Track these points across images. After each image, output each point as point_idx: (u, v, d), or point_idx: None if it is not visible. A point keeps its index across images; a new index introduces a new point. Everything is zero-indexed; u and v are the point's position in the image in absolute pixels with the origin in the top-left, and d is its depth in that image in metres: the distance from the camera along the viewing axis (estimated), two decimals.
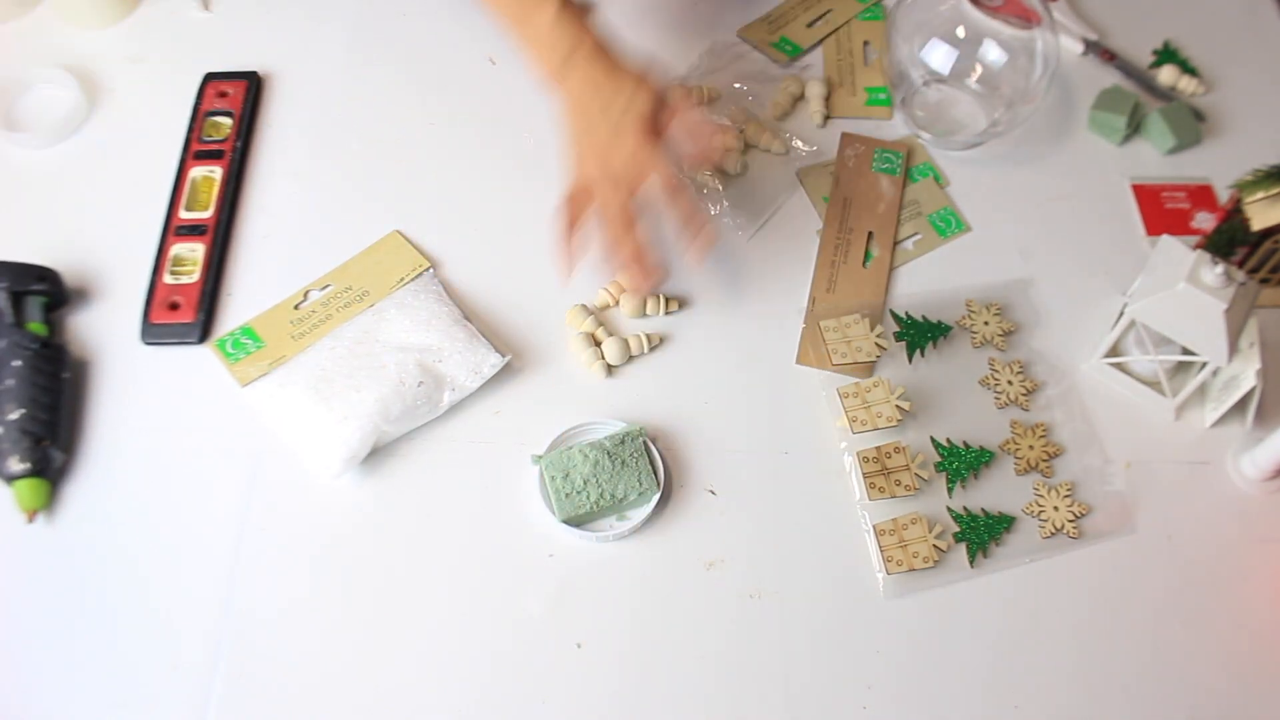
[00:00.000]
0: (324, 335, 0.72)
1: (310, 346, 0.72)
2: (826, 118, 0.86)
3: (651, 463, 0.69)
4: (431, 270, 0.76)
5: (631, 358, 0.74)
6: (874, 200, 0.81)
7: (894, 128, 0.86)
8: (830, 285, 0.77)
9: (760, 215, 0.81)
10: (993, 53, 0.80)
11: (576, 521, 0.67)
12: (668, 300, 0.75)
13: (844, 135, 0.85)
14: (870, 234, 0.80)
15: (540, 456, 0.68)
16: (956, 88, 0.84)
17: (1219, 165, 0.84)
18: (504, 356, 0.71)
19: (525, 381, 0.73)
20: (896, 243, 0.80)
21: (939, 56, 0.81)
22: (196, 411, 0.71)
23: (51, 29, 0.88)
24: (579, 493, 0.66)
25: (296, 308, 0.74)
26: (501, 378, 0.72)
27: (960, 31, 0.80)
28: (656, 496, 0.68)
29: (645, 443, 0.69)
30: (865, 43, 0.91)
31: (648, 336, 0.74)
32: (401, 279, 0.75)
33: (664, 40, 0.89)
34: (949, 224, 0.81)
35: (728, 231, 0.80)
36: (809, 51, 0.90)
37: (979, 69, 0.82)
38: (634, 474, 0.67)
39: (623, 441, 0.68)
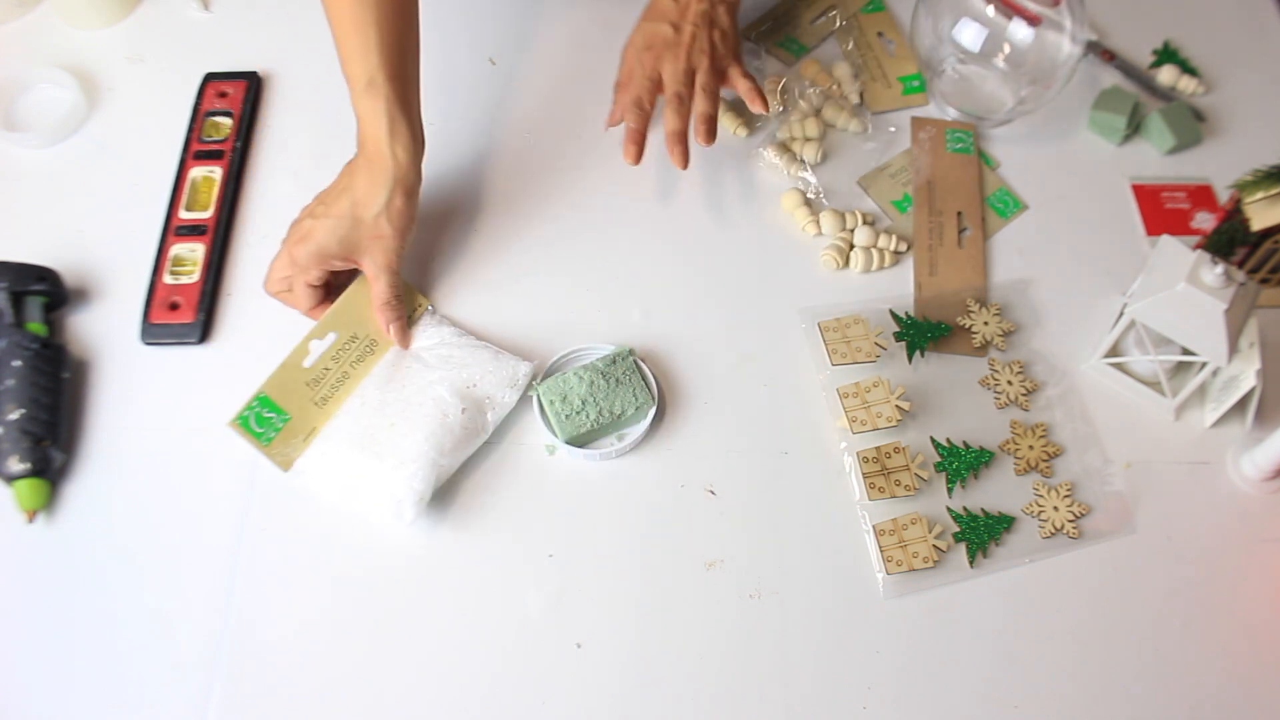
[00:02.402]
0: (348, 396, 0.69)
1: (339, 412, 0.69)
2: (861, 102, 0.87)
3: (644, 379, 0.71)
4: (431, 308, 0.74)
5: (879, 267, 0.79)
6: (956, 180, 0.82)
7: (927, 113, 0.87)
8: (932, 269, 0.78)
9: (853, 197, 0.82)
10: (1020, 31, 0.80)
11: (579, 441, 0.69)
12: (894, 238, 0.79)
13: (914, 119, 0.86)
14: (960, 213, 0.80)
15: (537, 384, 0.70)
16: (983, 67, 0.84)
17: (1219, 165, 0.84)
18: (531, 363, 0.71)
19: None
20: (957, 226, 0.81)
21: (970, 35, 0.81)
22: (196, 411, 0.71)
23: (51, 29, 0.88)
24: (578, 413, 0.69)
25: (306, 366, 0.68)
26: None
27: (990, 10, 0.81)
28: (653, 410, 0.70)
29: (636, 361, 0.71)
30: (879, 34, 0.91)
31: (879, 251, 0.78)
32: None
33: None
34: (1007, 204, 0.82)
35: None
36: (815, 49, 0.90)
37: (1007, 48, 0.82)
38: (629, 390, 0.70)
39: (614, 361, 0.71)
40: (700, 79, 0.76)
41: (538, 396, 0.70)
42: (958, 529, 0.68)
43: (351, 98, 0.69)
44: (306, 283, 0.70)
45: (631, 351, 0.72)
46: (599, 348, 0.72)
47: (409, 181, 0.69)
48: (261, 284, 0.72)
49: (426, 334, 0.73)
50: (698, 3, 0.78)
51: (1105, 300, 0.77)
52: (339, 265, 0.70)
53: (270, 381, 0.67)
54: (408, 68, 0.70)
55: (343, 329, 0.70)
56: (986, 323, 0.76)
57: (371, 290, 0.70)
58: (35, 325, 0.70)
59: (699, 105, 0.76)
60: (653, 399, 0.70)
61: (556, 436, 0.68)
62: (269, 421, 0.66)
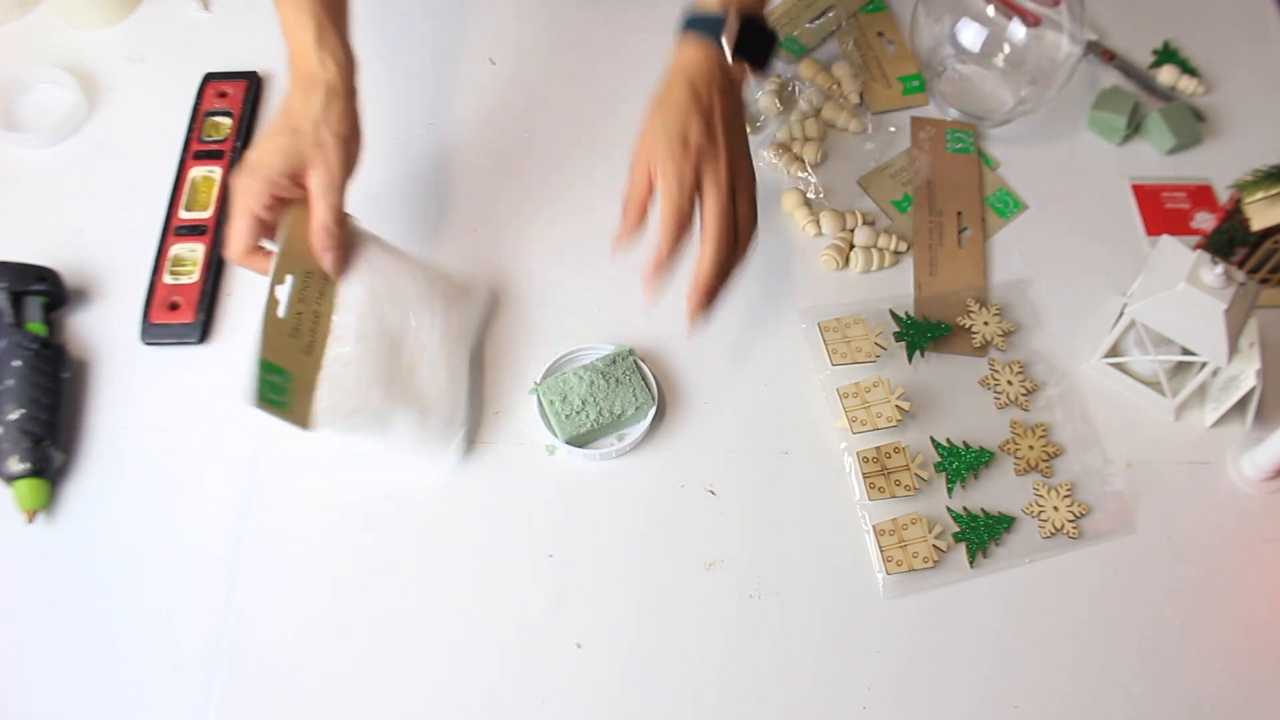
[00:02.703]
0: (328, 335, 0.66)
1: (329, 354, 0.65)
2: (861, 102, 0.86)
3: (644, 379, 0.71)
4: (357, 222, 0.70)
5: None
6: (956, 180, 0.82)
7: (927, 113, 0.87)
8: (932, 269, 0.78)
9: (853, 197, 0.82)
10: (1020, 31, 0.81)
11: (579, 441, 0.69)
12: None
13: (914, 119, 0.86)
14: (959, 213, 0.80)
15: (537, 385, 0.70)
16: (983, 67, 0.84)
17: (1219, 165, 0.84)
18: (476, 288, 0.74)
19: (523, 380, 0.73)
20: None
21: (969, 35, 0.82)
22: (196, 411, 0.71)
23: (51, 29, 0.88)
24: (578, 413, 0.69)
25: (282, 318, 0.64)
26: (498, 378, 0.72)
27: (990, 10, 0.81)
28: (653, 411, 0.70)
29: (636, 361, 0.72)
30: (879, 34, 0.91)
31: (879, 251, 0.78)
32: None
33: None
34: (1007, 204, 0.82)
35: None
36: (814, 50, 0.90)
37: (1007, 48, 0.82)
38: (629, 390, 0.70)
39: (614, 361, 0.71)
40: (743, 207, 0.64)
41: (538, 396, 0.70)
42: (958, 529, 0.68)
43: (279, 15, 0.66)
44: (252, 211, 0.63)
45: (631, 351, 0.72)
46: (599, 348, 0.72)
47: (345, 89, 0.65)
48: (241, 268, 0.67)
49: (384, 257, 0.69)
50: (722, 98, 0.64)
51: (1105, 300, 0.77)
52: (285, 187, 0.64)
53: (264, 344, 0.62)
54: None
55: (296, 267, 0.65)
56: (986, 323, 0.76)
57: (311, 214, 0.65)
58: (35, 325, 0.70)
59: (725, 254, 0.64)
60: (653, 399, 0.70)
61: (556, 436, 0.69)
62: (279, 386, 0.62)
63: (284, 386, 0.62)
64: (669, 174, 0.62)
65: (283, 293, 0.64)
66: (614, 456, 0.70)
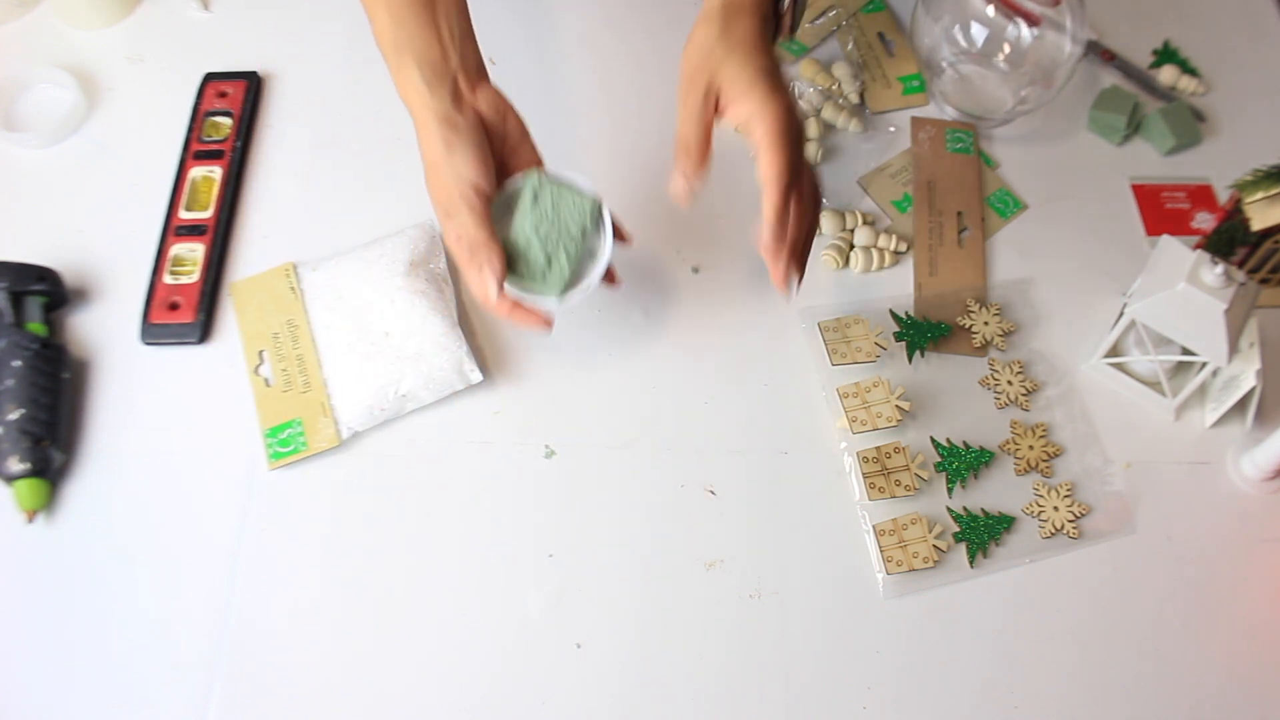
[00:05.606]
0: (317, 367, 0.71)
1: (326, 374, 0.70)
2: (861, 102, 0.86)
3: (571, 183, 0.65)
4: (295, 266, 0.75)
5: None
6: (956, 180, 0.82)
7: (927, 113, 0.87)
8: (932, 269, 0.78)
9: (853, 197, 0.82)
10: (1020, 31, 0.81)
11: (573, 284, 0.64)
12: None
13: (914, 119, 0.86)
14: (960, 213, 0.80)
15: (507, 279, 0.63)
16: (983, 67, 0.84)
17: (1219, 165, 0.84)
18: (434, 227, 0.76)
19: (523, 380, 0.73)
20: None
21: (970, 35, 0.82)
22: (196, 411, 0.71)
23: (51, 29, 0.88)
24: (549, 262, 0.63)
25: (271, 385, 0.70)
26: (497, 378, 0.72)
27: (990, 10, 0.81)
28: (605, 204, 0.66)
29: (544, 177, 0.65)
30: (879, 34, 0.91)
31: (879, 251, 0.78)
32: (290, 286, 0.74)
33: (675, 46, 0.89)
34: (1007, 204, 0.82)
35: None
36: (814, 50, 0.90)
37: (1007, 48, 0.82)
38: (569, 202, 0.64)
39: (534, 195, 0.64)
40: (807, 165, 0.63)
41: (509, 287, 0.63)
42: (958, 529, 0.68)
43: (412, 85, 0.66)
44: (486, 225, 0.61)
45: (538, 171, 0.65)
46: (510, 183, 0.66)
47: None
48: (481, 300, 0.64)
49: (332, 268, 0.75)
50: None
51: (1105, 300, 0.77)
52: (486, 175, 0.62)
53: (262, 415, 0.69)
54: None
55: (264, 335, 0.72)
56: (986, 323, 0.76)
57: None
58: (35, 325, 0.70)
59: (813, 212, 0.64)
60: (592, 190, 0.65)
61: (550, 296, 0.64)
62: (291, 438, 0.68)
63: (297, 433, 0.69)
64: (772, 118, 0.57)
65: (265, 369, 0.71)
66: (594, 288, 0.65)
